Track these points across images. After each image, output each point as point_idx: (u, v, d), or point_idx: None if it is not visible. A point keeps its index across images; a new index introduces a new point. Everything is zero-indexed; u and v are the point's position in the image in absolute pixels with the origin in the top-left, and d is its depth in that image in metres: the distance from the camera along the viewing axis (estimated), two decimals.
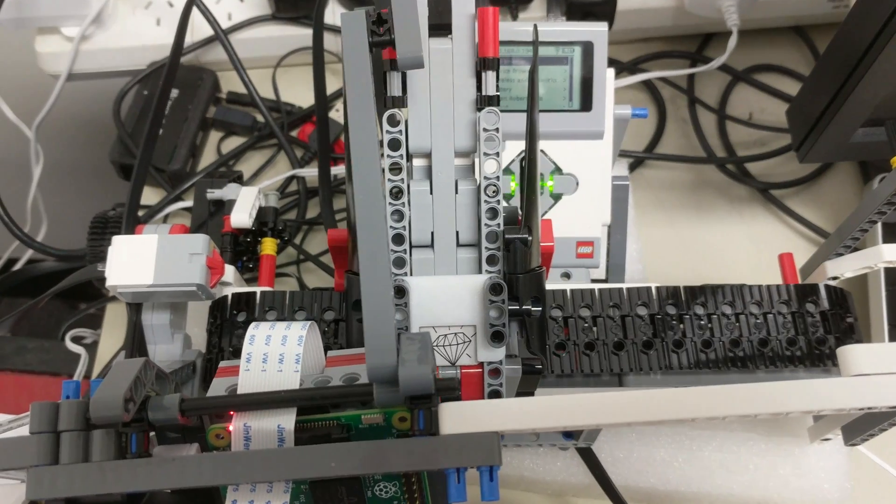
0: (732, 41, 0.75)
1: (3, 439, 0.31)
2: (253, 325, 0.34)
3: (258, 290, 0.54)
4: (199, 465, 0.29)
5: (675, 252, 0.74)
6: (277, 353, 0.32)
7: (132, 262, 0.48)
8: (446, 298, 0.41)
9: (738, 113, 0.81)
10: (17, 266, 0.88)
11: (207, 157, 0.77)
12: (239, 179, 0.61)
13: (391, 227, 0.42)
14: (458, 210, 0.44)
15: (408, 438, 0.30)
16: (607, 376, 0.52)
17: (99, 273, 0.49)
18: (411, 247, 0.43)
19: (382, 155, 0.43)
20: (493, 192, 0.43)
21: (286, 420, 0.31)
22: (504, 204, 0.44)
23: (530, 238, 0.43)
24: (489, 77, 0.43)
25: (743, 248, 0.75)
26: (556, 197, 0.56)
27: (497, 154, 0.43)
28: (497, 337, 0.41)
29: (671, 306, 0.51)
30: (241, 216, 0.55)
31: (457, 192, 0.44)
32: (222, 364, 0.36)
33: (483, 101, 0.43)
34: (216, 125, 0.77)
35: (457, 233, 0.44)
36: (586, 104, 0.55)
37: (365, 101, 0.34)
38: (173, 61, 0.50)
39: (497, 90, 0.44)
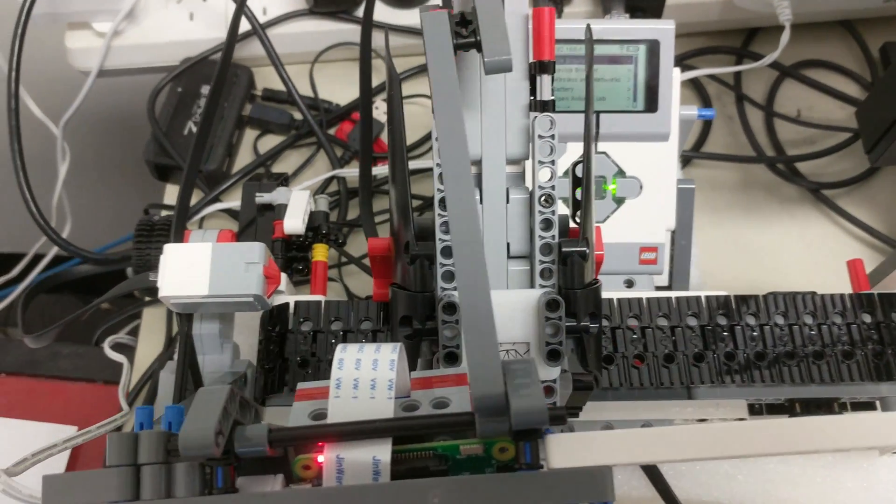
0: (785, 36, 0.73)
1: (79, 473, 0.29)
2: (340, 347, 0.32)
3: (316, 298, 0.52)
4: (298, 503, 0.27)
5: (725, 255, 0.71)
6: (369, 379, 0.30)
7: (186, 271, 0.46)
8: (499, 314, 0.39)
9: (786, 110, 0.79)
10: (43, 263, 0.87)
11: (243, 157, 0.74)
12: (285, 182, 0.59)
13: (440, 238, 0.41)
14: (508, 220, 0.42)
15: (516, 473, 0.28)
16: (661, 389, 0.50)
17: (150, 283, 0.47)
18: None
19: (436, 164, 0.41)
20: (548, 201, 0.41)
21: (382, 451, 0.29)
22: (560, 213, 0.42)
23: (588, 251, 0.41)
24: (544, 81, 0.41)
25: (795, 251, 0.72)
26: (619, 201, 0.54)
27: (552, 162, 0.41)
28: (553, 356, 0.39)
29: (722, 316, 0.49)
30: (295, 222, 0.53)
31: (508, 202, 0.42)
32: (301, 386, 0.34)
33: (537, 106, 0.41)
34: (252, 123, 0.75)
35: (507, 244, 0.42)
36: (651, 105, 0.53)
37: (453, 106, 0.32)
38: (225, 60, 0.48)
39: (552, 94, 0.42)
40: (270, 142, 0.74)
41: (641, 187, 0.54)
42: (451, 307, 0.39)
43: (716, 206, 0.74)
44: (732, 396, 0.50)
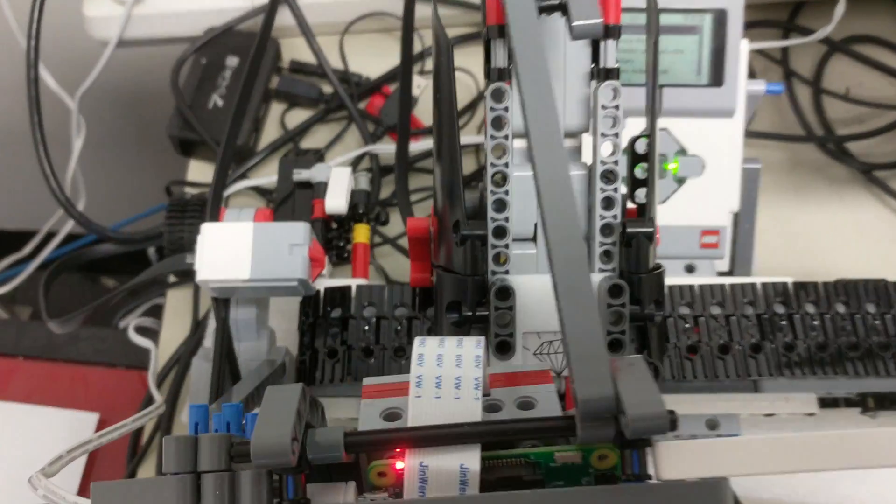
0: (840, 9, 0.69)
1: (133, 482, 0.26)
2: (419, 341, 0.29)
3: (354, 282, 0.49)
4: None
5: (775, 239, 0.68)
6: (453, 377, 0.27)
7: (225, 253, 0.43)
8: (548, 296, 0.36)
9: (834, 87, 0.75)
10: (56, 241, 0.83)
11: (270, 132, 0.71)
12: (321, 158, 0.55)
13: (492, 217, 0.38)
14: None
15: (624, 486, 0.25)
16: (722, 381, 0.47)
17: (187, 265, 0.43)
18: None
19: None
20: (610, 178, 0.38)
21: (470, 459, 0.26)
22: (623, 191, 0.39)
23: (654, 232, 0.38)
24: (609, 47, 0.38)
25: (845, 234, 0.69)
26: (680, 181, 0.51)
27: (616, 135, 0.38)
28: (615, 346, 0.36)
29: (780, 305, 0.47)
30: (338, 201, 0.49)
31: None
32: (367, 382, 0.31)
33: (600, 75, 0.38)
34: (279, 97, 0.71)
35: None
36: (717, 78, 0.49)
37: (541, 75, 0.29)
38: (266, 27, 0.44)
39: (616, 62, 0.38)
40: (298, 116, 0.71)
41: (704, 166, 0.51)
42: (505, 292, 0.36)
43: (763, 188, 0.71)
44: (802, 389, 0.47)
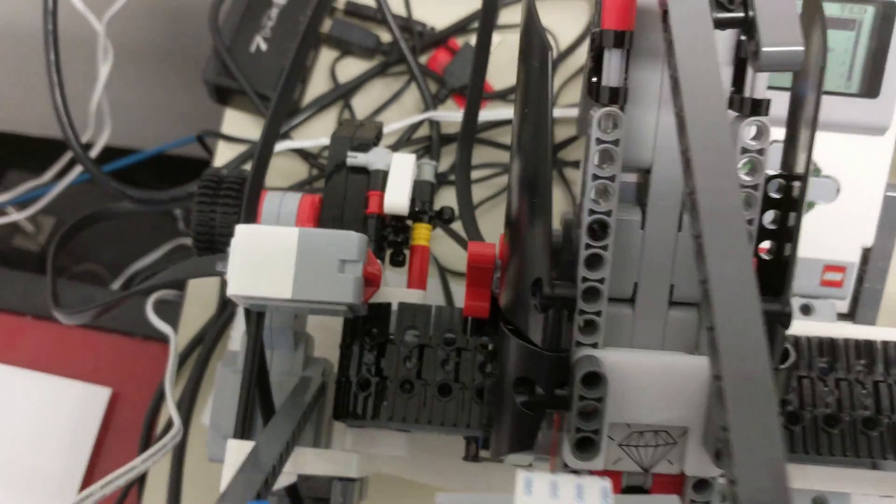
0: None
1: None
2: (524, 480, 0.22)
3: (405, 294, 0.42)
4: None
5: None
6: None
7: (264, 264, 0.35)
8: (650, 385, 0.31)
9: None
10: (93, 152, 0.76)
11: (318, 83, 0.62)
12: (379, 135, 0.47)
13: (583, 277, 0.30)
14: (677, 253, 0.32)
15: None
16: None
17: (216, 272, 0.36)
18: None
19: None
20: None
21: None
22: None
23: (789, 310, 0.31)
24: (758, 75, 0.30)
25: None
26: (809, 205, 0.43)
27: (755, 187, 0.30)
28: None
29: None
30: (400, 199, 0.41)
31: (679, 229, 0.31)
32: (441, 500, 0.24)
33: (743, 106, 0.30)
34: (331, 43, 0.62)
35: (671, 286, 0.32)
36: (872, 87, 0.40)
37: (717, 105, 0.21)
38: None
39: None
40: (350, 67, 0.62)
41: (838, 190, 0.42)
42: (594, 380, 0.29)
43: None
44: None
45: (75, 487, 0.54)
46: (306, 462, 0.37)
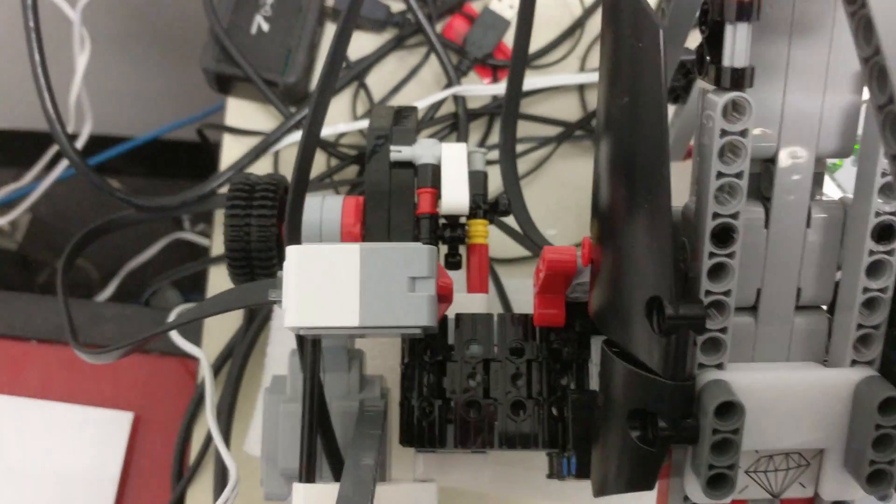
0: None
1: None
2: None
3: (477, 297, 0.37)
4: None
5: None
6: None
7: (324, 289, 0.31)
8: (785, 406, 0.27)
9: None
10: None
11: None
12: (416, 123, 0.42)
13: (707, 290, 0.27)
14: (806, 252, 0.28)
15: None
16: None
17: (271, 301, 0.32)
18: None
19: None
20: (887, 234, 0.27)
21: None
22: None
23: None
24: None
25: None
26: None
27: None
28: (878, 479, 0.27)
29: None
30: (461, 198, 0.37)
31: (808, 224, 0.28)
32: None
33: None
34: (337, 16, 0.57)
35: (798, 289, 0.28)
36: None
37: None
38: None
39: None
40: (359, 43, 0.57)
41: None
42: (729, 409, 0.25)
43: None
44: None
45: None
46: (386, 501, 0.33)
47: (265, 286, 0.32)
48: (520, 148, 0.54)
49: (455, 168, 0.38)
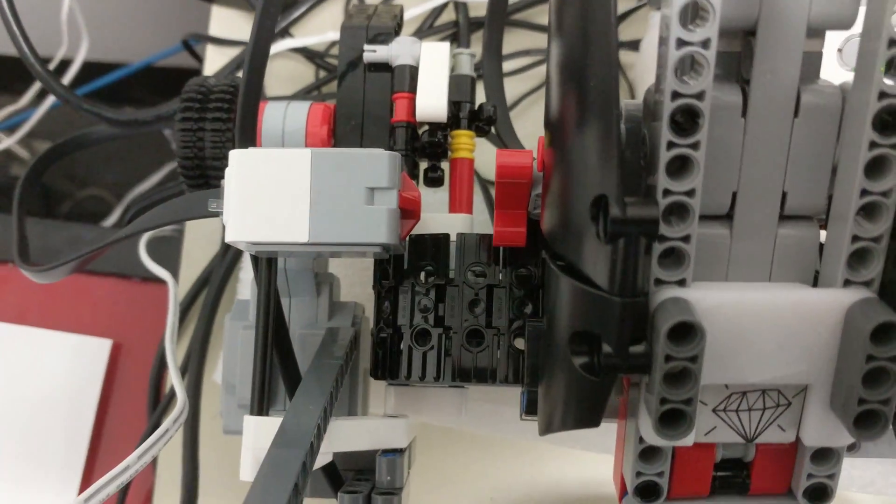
0: None
1: None
2: None
3: (453, 220, 0.33)
4: None
5: None
6: None
7: (270, 199, 0.27)
8: (760, 332, 0.22)
9: None
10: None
11: None
12: (399, 24, 0.38)
13: (665, 189, 0.22)
14: (792, 149, 0.23)
15: None
16: None
17: (210, 213, 0.28)
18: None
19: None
20: (891, 119, 0.22)
21: None
22: None
23: None
24: None
25: None
26: None
27: None
28: (869, 421, 0.22)
29: None
30: (437, 101, 0.33)
31: (797, 114, 0.23)
32: None
33: None
34: None
35: (784, 193, 0.24)
36: None
37: None
38: None
39: None
40: None
41: None
42: (686, 332, 0.21)
43: None
44: None
45: (82, 452, 0.48)
46: (344, 436, 0.30)
47: (206, 196, 0.29)
48: (524, 61, 0.50)
49: (433, 69, 0.34)
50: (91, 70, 0.74)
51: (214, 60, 0.51)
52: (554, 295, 0.24)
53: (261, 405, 0.30)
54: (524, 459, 0.43)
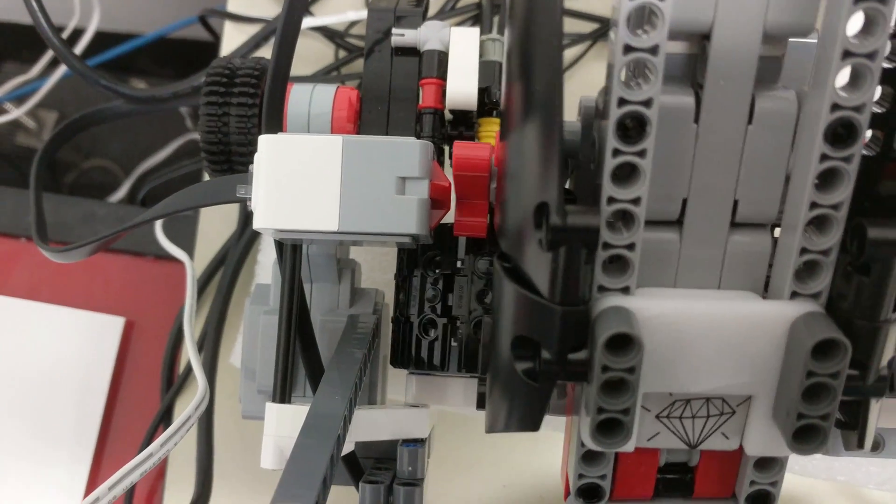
0: None
1: None
2: None
3: None
4: None
5: None
6: None
7: (299, 187, 0.27)
8: (705, 342, 0.22)
9: None
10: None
11: None
12: (427, 7, 0.37)
13: (610, 196, 0.21)
14: (745, 156, 0.23)
15: None
16: None
17: (238, 198, 0.28)
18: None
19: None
20: (842, 134, 0.21)
21: None
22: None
23: None
24: None
25: None
26: None
27: (869, 56, 0.21)
28: (808, 435, 0.22)
29: None
30: (468, 88, 0.32)
31: (750, 121, 0.22)
32: None
33: None
34: None
35: (735, 201, 0.23)
36: None
37: None
38: None
39: None
40: None
41: None
42: (623, 343, 0.21)
43: None
44: None
45: (93, 430, 0.48)
46: (367, 426, 0.30)
47: (234, 181, 0.28)
48: None
49: (464, 55, 0.33)
50: (103, 40, 0.73)
51: (233, 38, 0.51)
52: (498, 297, 0.23)
53: (283, 393, 0.30)
54: (536, 448, 0.43)
